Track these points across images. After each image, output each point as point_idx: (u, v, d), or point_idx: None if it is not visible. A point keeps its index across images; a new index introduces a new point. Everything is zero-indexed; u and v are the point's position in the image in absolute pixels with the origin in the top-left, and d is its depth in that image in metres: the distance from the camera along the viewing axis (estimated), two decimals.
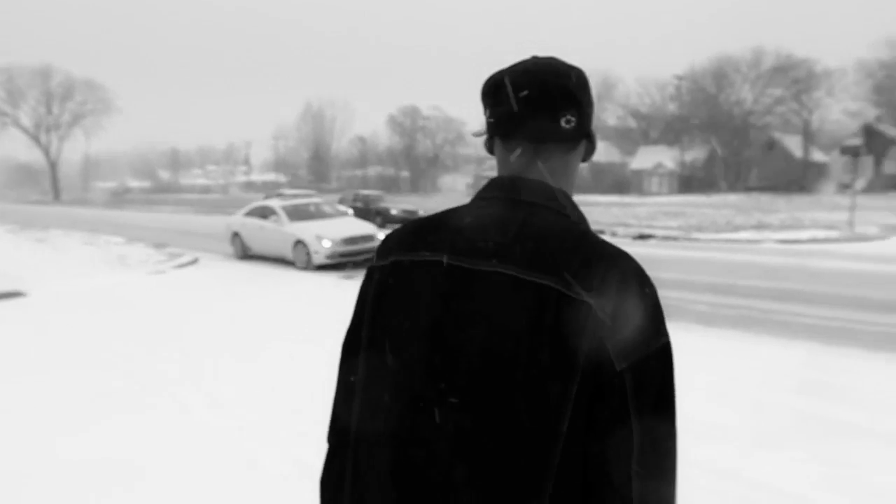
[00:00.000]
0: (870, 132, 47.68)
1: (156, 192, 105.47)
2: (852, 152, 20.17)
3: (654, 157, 64.43)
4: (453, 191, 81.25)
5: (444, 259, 1.00)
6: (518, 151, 1.05)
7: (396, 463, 0.99)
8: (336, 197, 28.10)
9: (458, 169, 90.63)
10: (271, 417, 4.62)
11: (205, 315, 8.43)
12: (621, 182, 63.49)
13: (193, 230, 24.38)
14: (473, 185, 78.03)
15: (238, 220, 15.05)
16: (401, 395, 1.00)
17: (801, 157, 59.40)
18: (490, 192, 1.06)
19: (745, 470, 3.73)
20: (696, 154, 63.96)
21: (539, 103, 1.02)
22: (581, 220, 1.04)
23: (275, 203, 14.58)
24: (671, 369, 0.93)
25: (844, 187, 50.81)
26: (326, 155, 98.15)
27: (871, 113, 55.13)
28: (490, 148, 1.12)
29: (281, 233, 13.59)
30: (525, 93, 1.02)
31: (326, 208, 15.06)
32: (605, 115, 75.43)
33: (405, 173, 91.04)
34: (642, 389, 0.89)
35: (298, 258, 13.11)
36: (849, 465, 3.78)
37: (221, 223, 17.20)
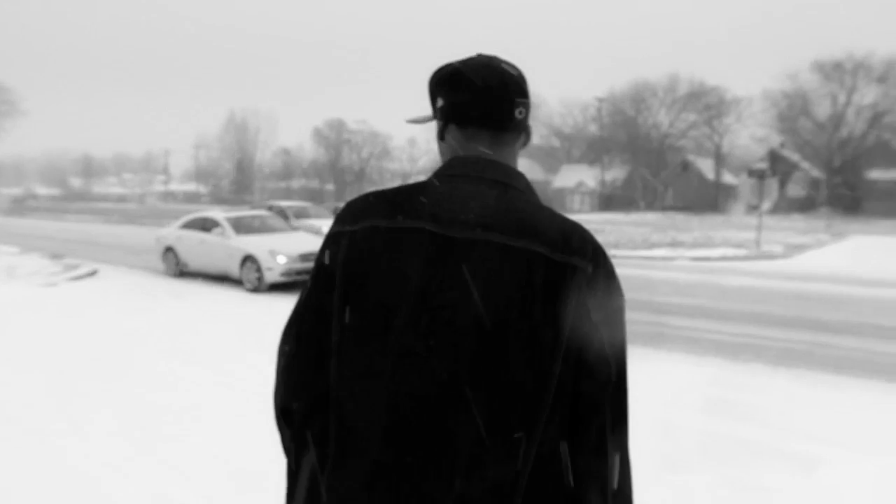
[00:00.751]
0: (774, 157, 50.55)
1: (66, 200, 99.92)
2: (759, 175, 21.11)
3: (577, 176, 66.04)
4: None
5: (428, 227, 1.07)
6: (477, 137, 1.15)
7: (392, 415, 1.03)
8: (249, 209, 19.15)
9: (384, 183, 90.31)
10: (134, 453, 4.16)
11: (85, 330, 7.77)
12: (544, 199, 63.65)
13: (105, 241, 22.99)
14: None
15: (172, 233, 13.39)
16: (391, 353, 1.04)
17: (713, 179, 62.23)
18: (455, 170, 1.14)
19: (654, 495, 3.58)
20: (616, 174, 66.00)
21: (499, 94, 1.14)
22: (538, 197, 1.16)
23: (218, 214, 13.08)
24: (625, 322, 1.11)
25: (752, 208, 53.52)
26: (250, 166, 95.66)
27: (775, 139, 58.44)
28: (442, 134, 1.19)
29: (226, 247, 11.98)
30: (486, 83, 1.13)
31: (274, 222, 13.59)
32: None
33: (330, 186, 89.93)
34: (613, 336, 1.06)
35: (247, 277, 11.50)
36: (758, 489, 3.69)
37: (136, 233, 16.17)
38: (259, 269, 11.29)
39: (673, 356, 6.82)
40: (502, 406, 1.01)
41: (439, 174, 1.15)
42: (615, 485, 1.07)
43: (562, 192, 65.66)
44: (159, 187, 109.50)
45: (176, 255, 13.14)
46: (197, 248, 12.72)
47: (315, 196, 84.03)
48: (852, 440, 4.38)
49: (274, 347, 1.24)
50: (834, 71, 54.99)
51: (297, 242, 11.97)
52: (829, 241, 24.77)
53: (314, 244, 11.84)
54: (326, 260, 1.13)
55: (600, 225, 33.81)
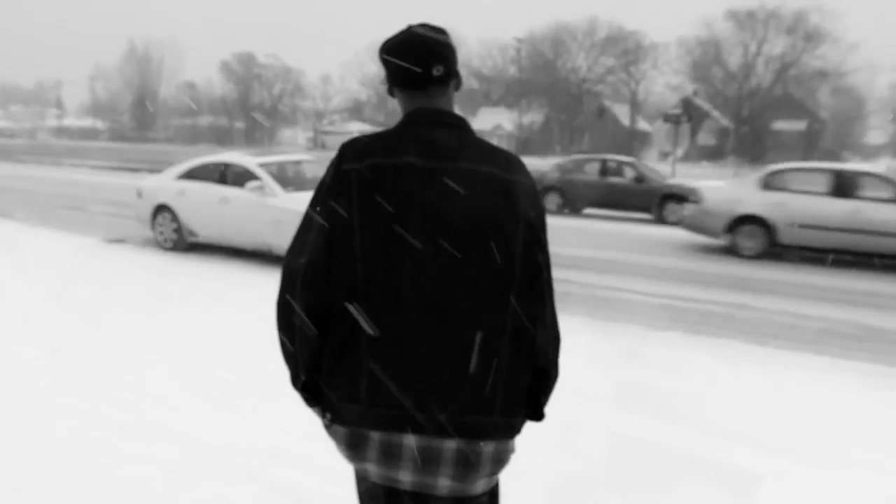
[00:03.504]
0: (687, 105, 50.90)
1: None
2: (674, 120, 20.69)
3: (495, 119, 65.00)
4: (293, 144, 77.40)
5: (415, 161, 1.45)
6: (413, 95, 1.55)
7: (418, 293, 1.41)
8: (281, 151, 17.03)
9: (298, 122, 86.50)
10: None
11: None
12: None
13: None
14: (313, 139, 74.82)
15: (167, 186, 9.08)
16: (407, 251, 1.41)
17: (628, 126, 62.65)
18: (418, 118, 1.53)
19: None
20: (533, 117, 65.36)
21: (417, 60, 1.51)
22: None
23: (247, 160, 8.62)
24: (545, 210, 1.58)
25: (665, 155, 54.28)
26: (153, 101, 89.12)
27: (689, 87, 59.10)
28: (391, 92, 1.59)
29: (271, 210, 7.77)
30: (407, 54, 1.51)
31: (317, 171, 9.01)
32: None
33: (240, 124, 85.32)
34: (542, 226, 1.53)
35: None
36: None
37: (40, 176, 13.13)
38: None
39: (579, 323, 5.85)
40: (490, 279, 1.43)
41: (407, 122, 1.53)
42: (551, 323, 1.55)
43: (479, 135, 64.31)
44: (52, 122, 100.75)
45: (177, 219, 8.89)
46: (214, 210, 8.52)
47: (224, 136, 79.62)
48: (793, 443, 3.49)
49: None
50: (747, 20, 55.71)
51: None
52: None
53: None
54: (340, 192, 1.45)
55: None
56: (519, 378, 1.46)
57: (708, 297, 7.09)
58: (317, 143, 72.13)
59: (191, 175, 9.02)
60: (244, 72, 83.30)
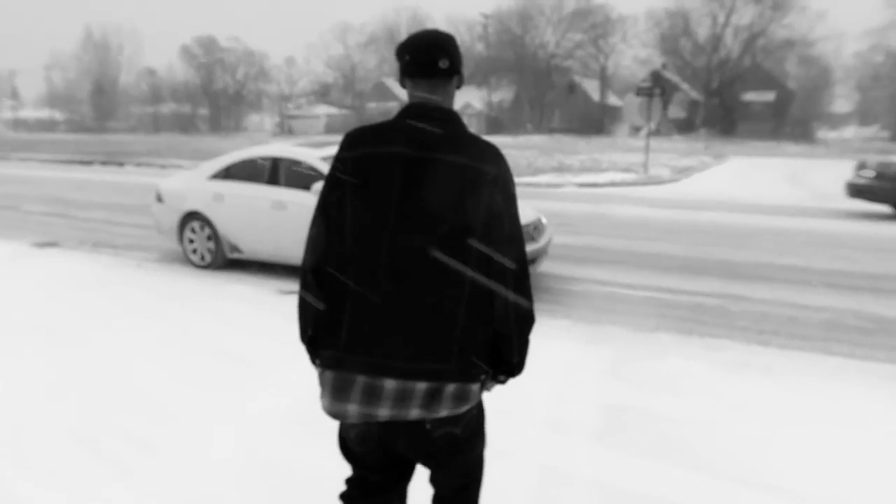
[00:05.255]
0: (657, 78, 50.35)
1: None
2: (647, 93, 20.04)
3: (464, 98, 63.89)
4: (261, 130, 75.55)
5: (403, 150, 1.68)
6: (419, 84, 1.77)
7: (392, 262, 1.65)
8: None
9: (263, 107, 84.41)
10: None
11: None
12: None
13: None
14: (280, 124, 73.12)
15: (201, 188, 7.22)
16: (387, 228, 1.65)
17: (598, 101, 62.04)
18: (412, 112, 1.75)
19: None
20: (503, 95, 64.42)
21: (426, 54, 1.76)
22: (466, 127, 1.78)
23: (308, 154, 6.76)
24: (517, 200, 1.78)
25: (636, 130, 53.87)
26: (112, 89, 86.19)
27: (658, 61, 58.61)
28: (402, 83, 1.82)
29: None
30: (418, 48, 1.77)
31: None
32: None
33: (204, 111, 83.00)
34: (507, 210, 1.70)
35: None
36: None
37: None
38: None
39: (560, 327, 5.17)
40: (453, 253, 1.63)
41: (401, 115, 1.76)
42: (514, 297, 1.72)
43: None
44: (7, 114, 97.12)
45: (214, 230, 7.07)
46: (265, 218, 6.75)
47: (188, 123, 77.31)
48: (823, 486, 2.85)
49: None
50: None
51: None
52: (712, 164, 24.53)
53: (531, 211, 6.63)
54: (338, 175, 1.73)
55: None
56: (475, 337, 1.68)
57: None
58: (283, 128, 70.49)
59: (229, 174, 7.09)
60: (206, 56, 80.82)
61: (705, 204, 12.90)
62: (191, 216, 7.18)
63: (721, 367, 4.26)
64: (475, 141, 1.72)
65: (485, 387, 1.79)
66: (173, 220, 7.36)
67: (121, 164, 24.58)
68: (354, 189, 1.68)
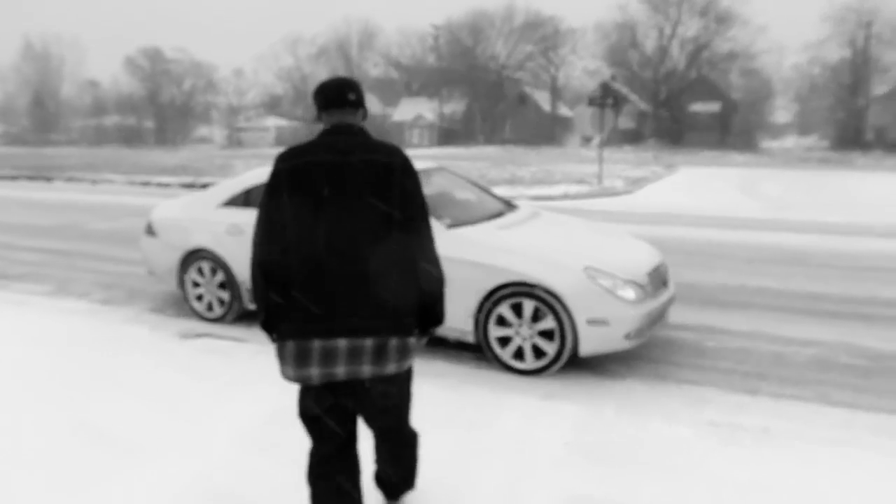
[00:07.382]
0: (607, 89, 50.62)
1: None
2: (600, 103, 19.60)
3: (415, 109, 63.34)
4: (209, 142, 73.36)
5: (327, 158, 2.13)
6: (333, 115, 2.25)
7: (329, 243, 2.08)
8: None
9: (212, 120, 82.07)
10: None
11: None
12: (382, 133, 60.99)
13: None
14: (229, 136, 71.17)
15: (208, 218, 5.64)
16: (322, 218, 2.08)
17: (549, 112, 62.18)
18: (331, 131, 2.22)
19: None
20: (455, 106, 64.03)
21: (337, 91, 2.26)
22: (372, 136, 2.27)
23: None
24: (420, 183, 2.26)
25: (587, 140, 54.09)
26: (53, 101, 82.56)
27: (607, 72, 59.08)
28: (319, 116, 2.29)
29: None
30: (331, 87, 2.27)
31: (483, 198, 5.81)
32: (367, 65, 72.56)
33: (150, 124, 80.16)
34: (415, 189, 2.20)
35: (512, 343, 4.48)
36: None
37: None
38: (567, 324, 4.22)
39: (504, 382, 4.34)
40: (378, 227, 2.11)
41: (322, 134, 2.23)
42: (431, 257, 2.24)
43: (400, 126, 62.70)
44: None
45: (228, 272, 5.47)
46: None
47: (132, 136, 74.45)
48: None
49: None
50: (661, 2, 56.02)
51: (624, 248, 5.22)
52: (664, 174, 24.27)
53: (645, 253, 5.13)
54: (276, 183, 2.14)
55: (438, 160, 31.53)
56: (406, 295, 2.15)
57: None
58: (232, 141, 68.64)
59: (248, 201, 5.42)
60: (151, 67, 78.37)
61: (664, 218, 12.34)
62: (196, 254, 5.62)
63: (710, 431, 3.49)
64: (382, 143, 2.24)
65: (419, 341, 2.27)
66: (172, 259, 5.78)
67: (49, 180, 22.95)
68: (290, 192, 2.11)
